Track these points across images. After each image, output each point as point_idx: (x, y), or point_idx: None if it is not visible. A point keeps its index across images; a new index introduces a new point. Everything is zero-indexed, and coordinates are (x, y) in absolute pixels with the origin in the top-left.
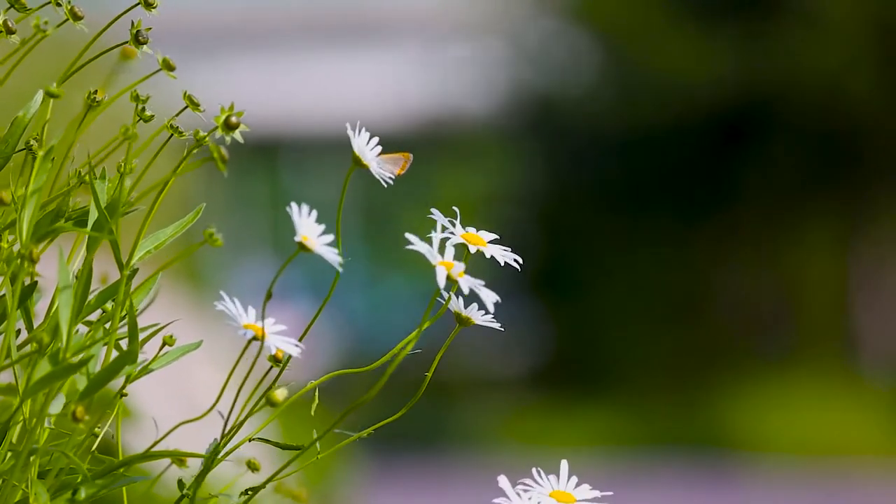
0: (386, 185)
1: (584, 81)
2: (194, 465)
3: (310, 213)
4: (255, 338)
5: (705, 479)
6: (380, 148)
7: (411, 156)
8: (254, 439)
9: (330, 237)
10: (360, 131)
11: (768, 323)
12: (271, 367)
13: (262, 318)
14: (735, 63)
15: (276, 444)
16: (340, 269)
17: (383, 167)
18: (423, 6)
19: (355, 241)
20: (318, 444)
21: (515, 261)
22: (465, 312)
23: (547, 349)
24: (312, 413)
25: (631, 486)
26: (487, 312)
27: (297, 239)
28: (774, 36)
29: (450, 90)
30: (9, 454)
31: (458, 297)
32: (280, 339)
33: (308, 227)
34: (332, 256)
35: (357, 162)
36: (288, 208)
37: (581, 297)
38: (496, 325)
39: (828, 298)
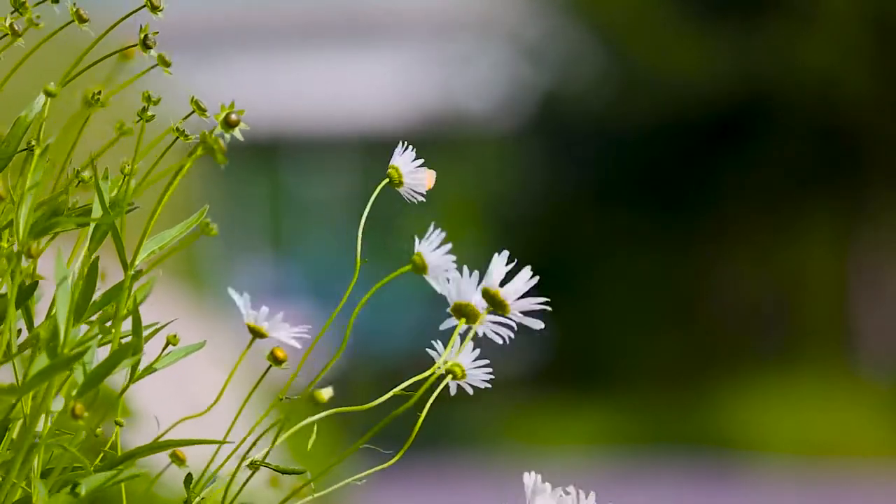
0: (416, 202)
1: (585, 79)
2: (193, 464)
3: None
4: (258, 334)
5: (705, 478)
6: (421, 169)
7: (434, 174)
8: (260, 464)
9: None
10: (405, 150)
11: (768, 322)
12: (269, 367)
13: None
14: (734, 61)
15: (281, 470)
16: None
17: (412, 186)
18: (424, 6)
19: (355, 241)
20: (314, 480)
21: (538, 318)
22: (458, 362)
23: (547, 349)
24: (308, 448)
25: (631, 486)
26: (484, 366)
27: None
28: (773, 33)
29: (450, 89)
30: (9, 451)
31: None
32: (283, 331)
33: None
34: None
35: (394, 177)
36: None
37: (581, 297)
38: (485, 382)
39: (827, 297)
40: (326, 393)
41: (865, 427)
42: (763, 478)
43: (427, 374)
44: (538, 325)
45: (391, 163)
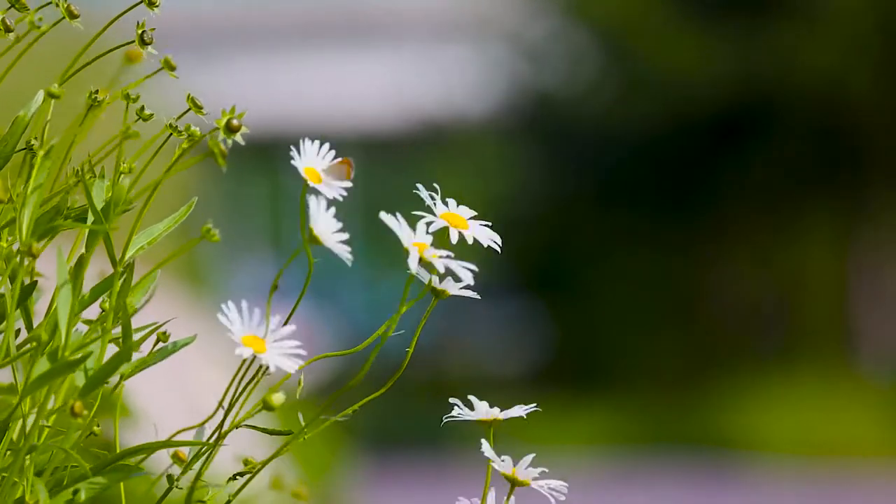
0: (341, 198)
1: (584, 80)
2: (193, 465)
3: (328, 209)
4: (252, 356)
5: (705, 479)
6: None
7: (351, 159)
8: (241, 425)
9: (344, 235)
10: (305, 147)
11: (768, 322)
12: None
13: (267, 323)
14: (735, 61)
15: (264, 430)
16: (349, 259)
17: (332, 184)
18: (423, 6)
19: (355, 241)
20: (303, 425)
21: (496, 243)
22: (439, 285)
23: (547, 349)
24: (297, 396)
25: (631, 486)
26: (463, 283)
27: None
28: (775, 33)
29: (450, 90)
30: (7, 452)
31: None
32: (279, 353)
33: (323, 221)
34: (344, 253)
35: (312, 178)
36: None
37: (581, 297)
38: (473, 294)
39: (827, 297)
40: (277, 398)
41: (865, 427)
42: (763, 478)
43: (420, 296)
44: (468, 277)
45: (303, 164)
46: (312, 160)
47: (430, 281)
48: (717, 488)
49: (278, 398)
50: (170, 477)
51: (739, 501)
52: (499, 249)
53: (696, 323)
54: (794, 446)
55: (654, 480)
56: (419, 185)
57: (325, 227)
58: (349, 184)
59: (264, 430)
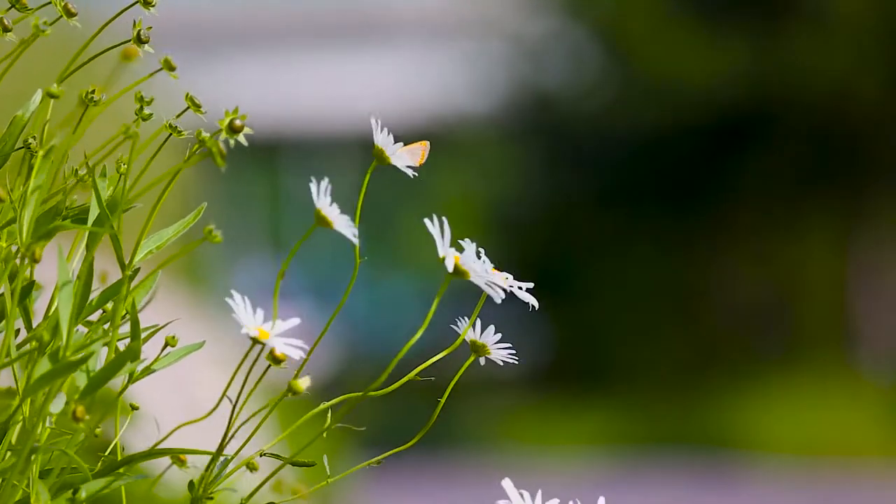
0: (413, 177)
1: (585, 81)
2: (194, 464)
3: (327, 191)
4: (256, 341)
5: (705, 479)
6: (400, 143)
7: (428, 143)
8: (265, 454)
9: (347, 217)
10: (380, 127)
11: (769, 322)
12: (268, 366)
13: (274, 314)
14: (735, 61)
15: (290, 462)
16: (356, 240)
17: (403, 160)
18: (423, 6)
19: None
20: (327, 466)
21: (532, 303)
22: (480, 339)
23: (547, 349)
24: (324, 436)
25: (631, 486)
26: (502, 341)
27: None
28: (780, 36)
29: (450, 90)
30: (9, 454)
31: (474, 328)
32: (282, 341)
33: (325, 203)
34: (349, 231)
35: (379, 157)
36: (310, 183)
37: (581, 297)
38: (512, 358)
39: (827, 297)
40: (304, 382)
41: (865, 427)
42: (763, 478)
43: (452, 348)
44: (498, 296)
45: (374, 142)
46: (383, 141)
47: (466, 332)
48: (717, 488)
49: (304, 383)
50: (191, 483)
51: (739, 502)
52: (534, 307)
53: (696, 323)
54: (793, 446)
55: (655, 480)
56: (467, 240)
57: (331, 210)
58: (413, 168)
59: (291, 462)
